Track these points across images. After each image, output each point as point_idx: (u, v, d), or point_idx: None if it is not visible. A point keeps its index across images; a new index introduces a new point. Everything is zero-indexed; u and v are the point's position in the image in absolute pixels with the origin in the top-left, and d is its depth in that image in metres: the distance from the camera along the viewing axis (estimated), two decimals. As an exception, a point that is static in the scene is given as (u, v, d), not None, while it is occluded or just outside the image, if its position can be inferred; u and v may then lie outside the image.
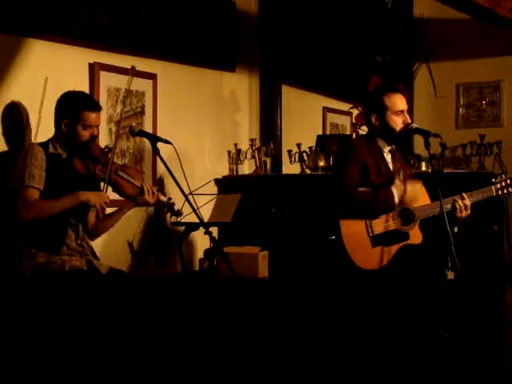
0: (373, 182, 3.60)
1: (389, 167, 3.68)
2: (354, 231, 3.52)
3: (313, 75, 5.77)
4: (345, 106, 5.78)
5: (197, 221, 3.45)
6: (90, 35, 4.02)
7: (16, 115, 3.69)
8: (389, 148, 3.70)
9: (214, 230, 4.71)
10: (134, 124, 4.16)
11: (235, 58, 5.20)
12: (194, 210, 3.40)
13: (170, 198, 3.74)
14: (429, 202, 3.57)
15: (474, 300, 3.92)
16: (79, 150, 3.47)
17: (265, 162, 5.14)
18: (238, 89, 5.27)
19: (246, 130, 5.34)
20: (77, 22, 3.94)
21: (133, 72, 3.76)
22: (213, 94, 5.04)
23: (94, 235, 3.69)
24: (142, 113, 4.42)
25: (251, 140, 5.17)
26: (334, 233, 3.53)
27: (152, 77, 4.44)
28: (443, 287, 3.45)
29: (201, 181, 4.61)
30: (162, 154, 3.46)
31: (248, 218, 4.76)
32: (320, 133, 5.84)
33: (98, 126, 3.55)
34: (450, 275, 3.40)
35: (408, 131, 3.64)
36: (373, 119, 3.67)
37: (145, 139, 4.05)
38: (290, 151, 5.13)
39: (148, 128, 4.38)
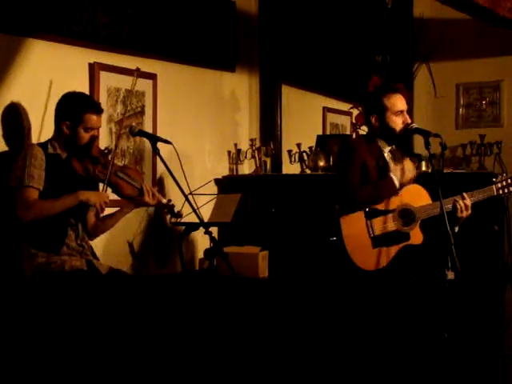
0: (373, 181, 3.60)
1: (389, 167, 3.67)
2: (354, 232, 3.51)
3: (313, 75, 5.77)
4: (345, 106, 5.78)
5: (197, 221, 3.46)
6: (90, 35, 4.02)
7: (16, 115, 3.69)
8: (389, 148, 3.70)
9: (214, 230, 4.71)
10: (134, 124, 4.16)
11: (235, 58, 5.20)
12: (194, 210, 3.40)
13: (169, 200, 3.74)
14: (429, 202, 3.57)
15: (474, 300, 3.92)
16: (79, 151, 3.47)
17: (265, 162, 5.14)
18: (238, 89, 5.27)
19: (246, 130, 5.34)
20: (77, 22, 3.94)
21: (138, 73, 3.76)
22: (213, 94, 5.04)
23: (93, 235, 3.70)
24: (142, 113, 4.42)
25: (251, 140, 5.17)
26: (334, 233, 3.53)
27: (152, 77, 4.44)
28: (443, 287, 3.45)
29: (201, 181, 4.61)
30: (161, 153, 3.46)
31: (248, 218, 4.76)
32: (320, 133, 5.84)
33: (98, 128, 3.56)
34: (450, 275, 3.40)
35: (408, 131, 3.64)
36: (373, 120, 3.67)
37: (145, 139, 4.05)
38: (290, 151, 5.13)
39: (148, 128, 4.38)
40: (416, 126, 3.63)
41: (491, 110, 4.85)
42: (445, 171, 4.18)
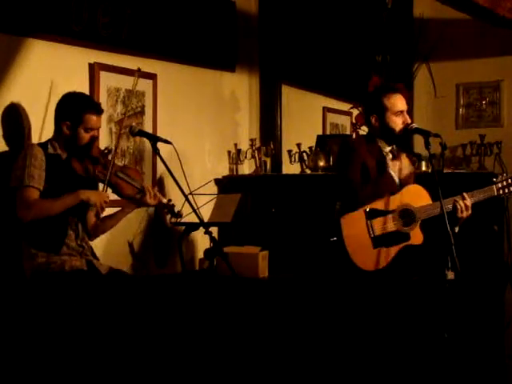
0: (373, 180, 3.61)
1: (387, 164, 3.68)
2: (355, 232, 3.51)
3: (313, 75, 5.77)
4: (345, 106, 5.78)
5: (197, 221, 3.46)
6: (90, 35, 4.02)
7: (16, 116, 3.69)
8: (389, 148, 3.70)
9: (214, 230, 4.71)
10: (134, 124, 4.16)
11: (235, 58, 5.20)
12: (194, 210, 3.40)
13: (169, 200, 3.75)
14: (430, 202, 3.57)
15: (474, 300, 3.92)
16: (79, 152, 3.47)
17: (265, 162, 5.14)
18: (238, 89, 5.27)
19: (246, 130, 5.34)
20: (77, 22, 3.94)
21: (139, 73, 3.76)
22: (213, 94, 5.04)
23: (93, 235, 3.70)
24: (142, 113, 4.42)
25: (251, 140, 5.17)
26: (335, 233, 3.53)
27: (152, 77, 4.44)
28: (443, 287, 3.45)
29: (201, 181, 4.61)
30: (162, 153, 3.46)
31: (248, 218, 4.76)
32: (320, 133, 5.84)
33: (98, 129, 3.56)
34: (450, 275, 3.40)
35: (408, 131, 3.64)
36: (372, 120, 3.67)
37: (145, 139, 4.05)
38: (290, 151, 5.13)
39: (148, 128, 4.38)
40: (416, 126, 3.63)
41: (491, 109, 4.85)
42: (445, 171, 4.18)
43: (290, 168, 5.19)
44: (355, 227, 3.52)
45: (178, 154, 3.53)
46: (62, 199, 3.36)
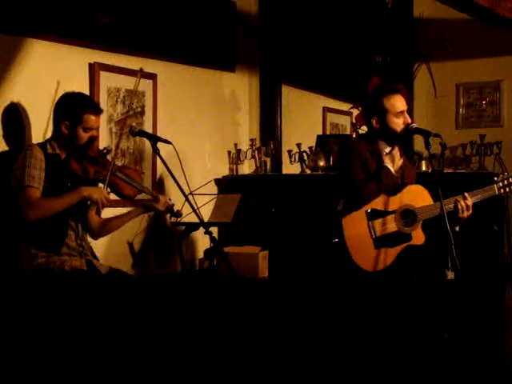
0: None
1: (382, 159, 3.68)
2: (356, 233, 3.51)
3: (313, 75, 5.77)
4: (345, 106, 5.79)
5: (197, 221, 3.46)
6: (90, 35, 4.02)
7: (16, 115, 3.69)
8: (389, 148, 3.70)
9: (214, 230, 4.71)
10: (134, 124, 4.16)
11: (235, 58, 5.20)
12: (194, 210, 3.41)
13: (169, 199, 3.75)
14: (431, 202, 3.57)
15: (474, 300, 3.92)
16: (77, 151, 3.47)
17: (265, 162, 5.14)
18: (238, 89, 5.27)
19: (246, 130, 5.34)
20: (77, 22, 3.94)
21: (141, 74, 3.76)
22: (213, 94, 5.04)
23: (97, 235, 3.72)
24: (142, 113, 4.42)
25: (251, 140, 5.17)
26: (336, 234, 3.53)
27: (152, 77, 4.44)
28: (443, 287, 3.45)
29: (201, 181, 4.61)
30: (161, 153, 3.47)
31: (248, 218, 4.76)
32: (320, 133, 5.84)
33: (97, 128, 3.56)
34: (450, 275, 3.40)
35: (408, 131, 3.63)
36: (373, 122, 3.67)
37: (145, 139, 4.06)
38: (290, 151, 5.13)
39: (148, 128, 4.38)
40: (416, 126, 3.63)
41: (491, 109, 4.85)
42: (445, 171, 4.18)
43: (290, 168, 5.19)
44: (357, 228, 3.52)
45: (178, 154, 3.54)
46: (65, 196, 3.37)
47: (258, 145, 5.17)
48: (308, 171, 5.03)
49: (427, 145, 3.42)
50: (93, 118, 3.47)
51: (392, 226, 3.54)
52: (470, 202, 3.57)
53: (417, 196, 3.59)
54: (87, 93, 3.96)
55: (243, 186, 4.89)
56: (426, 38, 4.84)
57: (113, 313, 3.27)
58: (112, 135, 4.21)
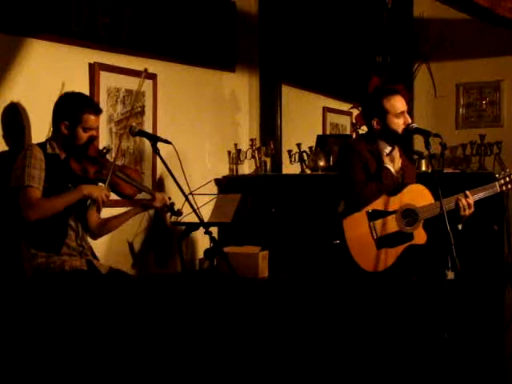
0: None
1: (382, 159, 3.68)
2: (358, 234, 3.51)
3: (313, 75, 5.77)
4: (345, 106, 5.79)
5: (197, 221, 3.46)
6: (90, 35, 4.02)
7: (16, 115, 3.69)
8: (390, 148, 3.70)
9: (214, 230, 4.71)
10: (134, 124, 4.16)
11: (235, 58, 5.20)
12: (194, 210, 3.41)
13: (169, 198, 3.75)
14: (432, 201, 3.57)
15: (474, 300, 3.92)
16: (77, 151, 3.47)
17: (265, 162, 5.14)
18: (238, 89, 5.27)
19: (246, 130, 5.34)
20: (77, 22, 3.94)
21: (145, 74, 3.76)
22: (213, 94, 5.04)
23: (97, 235, 3.72)
24: (142, 113, 4.42)
25: (251, 140, 5.17)
26: (336, 234, 3.53)
27: (152, 77, 4.44)
28: (443, 287, 3.45)
29: (201, 181, 4.62)
30: (161, 154, 3.47)
31: (248, 218, 4.76)
32: (320, 133, 5.84)
33: (97, 128, 3.56)
34: (450, 275, 3.40)
35: (408, 131, 3.63)
36: (374, 123, 3.66)
37: (145, 139, 4.06)
38: (290, 151, 5.13)
39: (148, 128, 4.38)
40: (416, 126, 3.63)
41: (491, 109, 4.85)
42: (445, 171, 4.18)
43: (290, 168, 5.19)
44: (358, 229, 3.52)
45: (178, 154, 3.54)
46: (65, 196, 3.37)
47: (257, 145, 5.17)
48: (308, 171, 5.03)
49: (427, 145, 3.42)
50: (92, 117, 3.47)
51: (393, 225, 3.54)
52: (471, 200, 3.57)
53: (418, 195, 3.59)
54: (87, 93, 3.96)
55: (243, 186, 4.89)
56: (426, 38, 4.84)
57: (113, 313, 3.27)
58: (112, 135, 4.21)
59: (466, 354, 3.62)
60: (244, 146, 5.23)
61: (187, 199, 3.43)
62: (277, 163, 5.26)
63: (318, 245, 3.99)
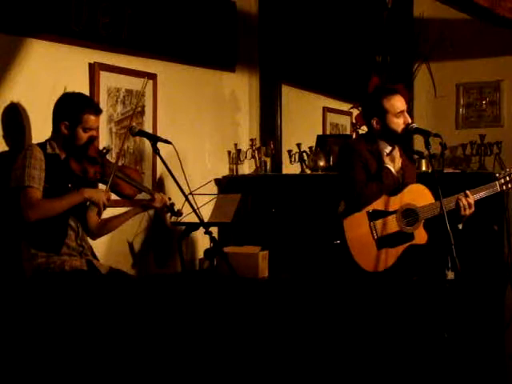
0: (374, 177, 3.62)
1: (383, 159, 3.68)
2: (358, 234, 3.51)
3: (313, 75, 5.77)
4: (345, 106, 5.79)
5: (197, 221, 3.46)
6: (90, 35, 4.02)
7: (16, 115, 3.69)
8: (390, 148, 3.70)
9: (214, 230, 4.71)
10: (134, 124, 4.16)
11: (235, 58, 5.20)
12: (194, 210, 3.40)
13: (169, 198, 3.75)
14: (432, 201, 3.57)
15: (474, 300, 3.92)
16: (77, 152, 3.47)
17: (265, 162, 5.14)
18: (238, 89, 5.27)
19: (246, 130, 5.34)
20: (77, 22, 3.94)
21: (149, 76, 3.76)
22: (213, 94, 5.04)
23: (96, 235, 3.71)
24: (142, 113, 4.42)
25: (251, 140, 5.17)
26: (337, 234, 3.53)
27: (152, 77, 4.44)
28: (443, 287, 3.45)
29: (201, 181, 4.62)
30: (161, 154, 3.47)
31: (248, 218, 4.76)
32: (320, 133, 5.84)
33: (97, 129, 3.56)
34: (450, 275, 3.40)
35: (408, 131, 3.63)
36: (374, 123, 3.67)
37: (145, 139, 4.06)
38: (290, 151, 5.13)
39: (148, 128, 4.38)
40: (416, 125, 3.63)
41: (491, 109, 4.85)
42: (445, 171, 4.18)
43: (290, 168, 5.19)
44: (358, 229, 3.52)
45: (178, 154, 3.54)
46: (67, 198, 3.37)
47: (257, 145, 5.17)
48: (308, 171, 5.03)
49: (427, 145, 3.42)
50: (92, 118, 3.47)
51: (394, 225, 3.54)
52: (471, 199, 3.57)
53: (418, 195, 3.59)
54: (87, 93, 3.97)
55: (243, 186, 4.89)
56: (426, 38, 4.84)
57: (113, 313, 3.27)
58: (112, 135, 4.21)
59: (466, 354, 3.62)
60: (244, 145, 5.23)
61: (187, 199, 3.43)
62: (277, 163, 5.26)
63: (318, 245, 4.00)
